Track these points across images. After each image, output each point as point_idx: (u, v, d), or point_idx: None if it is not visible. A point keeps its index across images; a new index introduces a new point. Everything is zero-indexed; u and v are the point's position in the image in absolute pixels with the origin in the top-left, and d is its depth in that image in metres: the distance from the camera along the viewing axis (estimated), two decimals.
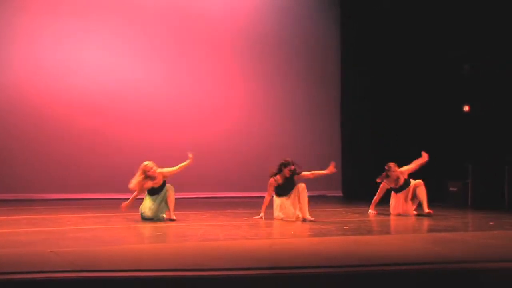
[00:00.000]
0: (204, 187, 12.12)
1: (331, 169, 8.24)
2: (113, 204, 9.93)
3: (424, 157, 8.83)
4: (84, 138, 11.59)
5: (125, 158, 11.39)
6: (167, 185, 7.86)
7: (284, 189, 8.13)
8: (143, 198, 7.97)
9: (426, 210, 8.61)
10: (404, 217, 8.66)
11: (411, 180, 8.87)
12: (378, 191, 8.98)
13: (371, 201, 9.19)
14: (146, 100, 11.96)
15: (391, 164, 8.83)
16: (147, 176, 7.76)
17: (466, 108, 11.26)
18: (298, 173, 8.14)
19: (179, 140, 11.30)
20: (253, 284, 4.30)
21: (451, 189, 10.94)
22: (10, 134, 11.26)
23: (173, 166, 8.01)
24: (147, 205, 7.80)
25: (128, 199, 7.86)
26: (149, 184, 7.77)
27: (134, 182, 7.78)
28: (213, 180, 12.24)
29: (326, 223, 7.87)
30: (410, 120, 12.04)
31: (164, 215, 7.88)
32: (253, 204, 10.49)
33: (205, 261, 4.78)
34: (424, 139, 11.03)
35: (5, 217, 8.08)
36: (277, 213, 8.13)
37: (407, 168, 8.90)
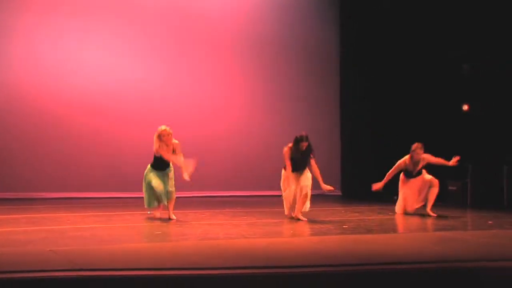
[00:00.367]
0: (204, 186, 12.11)
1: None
2: (113, 203, 9.95)
3: (453, 161, 8.59)
4: (84, 138, 11.60)
5: (125, 157, 11.41)
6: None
7: (297, 164, 8.00)
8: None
9: (429, 211, 8.59)
10: (403, 216, 8.66)
11: (430, 176, 8.71)
12: (393, 167, 8.70)
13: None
14: (146, 100, 11.97)
15: (419, 145, 8.55)
16: (162, 140, 7.66)
17: (465, 107, 11.27)
18: (312, 151, 7.99)
19: (179, 140, 11.29)
20: (252, 283, 4.30)
21: (450, 188, 10.95)
22: (9, 133, 11.26)
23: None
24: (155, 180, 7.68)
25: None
26: (164, 149, 7.66)
27: (156, 147, 7.70)
28: (212, 179, 12.24)
29: (325, 222, 7.88)
30: (409, 120, 12.05)
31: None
32: (253, 203, 10.51)
33: (204, 260, 4.79)
34: (424, 138, 11.01)
35: (5, 216, 8.08)
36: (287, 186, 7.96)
37: (430, 158, 8.61)
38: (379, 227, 7.38)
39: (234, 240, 6.16)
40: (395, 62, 12.43)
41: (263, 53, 12.88)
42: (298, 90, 12.94)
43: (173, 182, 7.89)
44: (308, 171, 8.09)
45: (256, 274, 4.38)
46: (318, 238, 6.39)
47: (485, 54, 11.13)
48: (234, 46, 12.71)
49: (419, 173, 8.76)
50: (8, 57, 11.33)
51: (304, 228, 7.35)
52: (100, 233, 6.62)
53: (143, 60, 12.10)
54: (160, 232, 6.85)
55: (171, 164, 7.86)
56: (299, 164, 7.99)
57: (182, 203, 9.68)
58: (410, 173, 8.74)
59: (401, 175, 8.89)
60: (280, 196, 8.27)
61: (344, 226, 7.41)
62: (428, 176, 8.72)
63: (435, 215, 8.53)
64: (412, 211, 8.83)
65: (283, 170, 8.13)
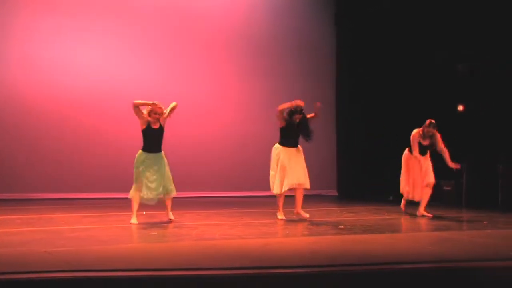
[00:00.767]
0: (199, 186, 12.11)
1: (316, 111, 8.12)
2: (109, 204, 9.94)
3: (453, 164, 8.53)
4: (80, 138, 11.57)
5: (122, 157, 11.36)
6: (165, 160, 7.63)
7: (289, 135, 7.97)
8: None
9: (424, 212, 8.56)
10: (399, 217, 8.68)
11: (431, 171, 8.62)
12: (414, 143, 8.48)
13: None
14: (142, 99, 11.92)
15: (432, 123, 8.44)
16: (153, 113, 7.48)
17: (460, 108, 11.29)
18: (307, 124, 7.99)
19: (175, 139, 11.28)
20: (248, 284, 4.31)
21: (445, 188, 10.97)
22: (6, 133, 11.23)
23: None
24: (146, 183, 7.46)
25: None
26: (147, 118, 7.47)
27: (142, 121, 7.51)
28: (208, 180, 12.24)
29: (321, 222, 7.89)
30: (405, 120, 12.04)
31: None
32: (249, 203, 10.51)
33: (200, 261, 4.79)
34: None
35: (0, 217, 8.06)
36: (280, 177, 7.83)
37: (439, 140, 8.52)
38: (375, 228, 7.39)
39: (230, 241, 6.16)
40: (390, 63, 12.44)
41: (258, 53, 12.87)
42: (294, 90, 12.90)
43: (170, 175, 7.63)
44: (301, 149, 8.08)
45: (252, 274, 4.39)
46: (314, 239, 6.39)
47: (480, 54, 11.15)
48: (230, 46, 12.71)
49: (426, 151, 8.61)
50: (5, 57, 11.30)
51: (300, 228, 7.36)
52: (96, 234, 6.61)
53: (139, 60, 12.08)
54: (156, 233, 6.85)
55: (162, 152, 7.63)
56: (291, 137, 7.98)
57: (178, 204, 9.66)
58: (420, 149, 8.54)
59: (406, 151, 8.71)
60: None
61: (340, 227, 7.42)
62: (430, 169, 8.60)
63: (430, 215, 8.54)
64: (418, 200, 8.66)
65: (276, 145, 8.07)
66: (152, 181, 7.48)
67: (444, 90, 11.49)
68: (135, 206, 7.54)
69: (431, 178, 8.57)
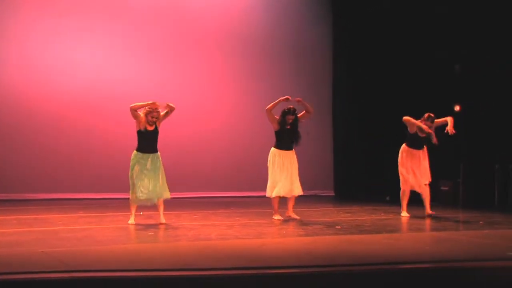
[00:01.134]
0: (196, 187, 12.10)
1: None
2: (105, 204, 9.92)
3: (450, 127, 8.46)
4: (77, 138, 11.54)
5: (119, 158, 11.31)
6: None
7: (283, 137, 8.02)
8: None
9: (429, 211, 8.57)
10: (396, 217, 8.68)
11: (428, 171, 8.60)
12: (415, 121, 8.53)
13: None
14: (138, 100, 11.90)
15: (430, 116, 8.48)
16: (150, 115, 7.44)
17: (457, 107, 11.30)
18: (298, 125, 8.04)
19: (171, 140, 11.26)
20: (245, 284, 4.30)
21: (442, 188, 10.98)
22: (1, 133, 11.20)
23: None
24: (143, 183, 7.42)
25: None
26: (144, 120, 7.45)
27: (138, 122, 7.47)
28: (204, 180, 12.22)
29: (318, 222, 7.89)
30: (401, 120, 12.06)
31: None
32: (246, 204, 10.50)
33: (197, 261, 4.79)
34: None
35: None
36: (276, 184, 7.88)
37: (436, 123, 8.57)
38: (372, 228, 7.40)
39: (227, 241, 6.16)
40: (387, 63, 12.44)
41: (254, 53, 12.86)
42: (290, 90, 12.84)
43: (164, 178, 7.58)
44: (294, 152, 8.13)
45: (249, 274, 4.38)
46: (311, 239, 6.39)
47: (478, 55, 11.17)
48: (226, 46, 12.69)
49: (423, 145, 8.58)
50: (3, 57, 11.26)
51: (297, 228, 7.35)
52: (93, 234, 6.60)
53: (135, 60, 12.05)
54: (153, 233, 6.84)
55: (158, 152, 7.60)
56: (286, 139, 8.04)
57: (175, 204, 9.66)
58: (419, 139, 8.52)
59: (404, 146, 8.66)
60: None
61: (337, 227, 7.42)
62: (428, 169, 8.57)
63: (433, 212, 8.55)
64: (421, 192, 8.61)
65: (272, 149, 8.10)
66: (146, 182, 7.46)
67: (442, 90, 11.50)
68: (133, 207, 7.53)
69: (428, 178, 8.59)
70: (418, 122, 8.52)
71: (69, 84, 11.56)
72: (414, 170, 8.57)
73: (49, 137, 11.42)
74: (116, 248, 5.61)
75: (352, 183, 12.75)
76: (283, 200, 8.14)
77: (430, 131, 8.45)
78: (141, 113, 7.57)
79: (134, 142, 7.75)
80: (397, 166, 8.72)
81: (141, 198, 7.43)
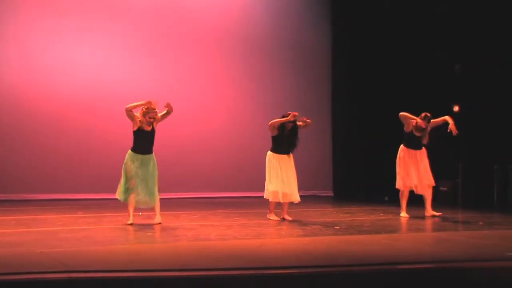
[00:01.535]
0: (195, 187, 12.09)
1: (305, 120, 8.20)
2: (104, 205, 9.91)
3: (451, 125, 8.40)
4: (76, 138, 11.53)
5: (117, 158, 11.31)
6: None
7: (281, 142, 8.06)
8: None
9: (431, 212, 8.56)
10: (395, 217, 8.67)
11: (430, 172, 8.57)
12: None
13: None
14: (136, 100, 11.89)
15: (427, 116, 8.42)
16: (148, 116, 7.39)
17: (456, 108, 11.31)
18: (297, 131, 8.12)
19: (170, 140, 11.28)
20: (244, 284, 4.30)
21: (441, 188, 10.98)
22: (0, 134, 11.19)
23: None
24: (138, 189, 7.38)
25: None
26: (141, 120, 7.40)
27: (135, 122, 7.40)
28: (203, 180, 12.21)
29: (317, 223, 7.89)
30: (400, 121, 12.06)
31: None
32: (245, 204, 10.49)
33: (196, 261, 4.78)
34: None
35: None
36: (274, 185, 7.92)
37: (432, 123, 8.53)
38: (371, 228, 7.39)
39: (226, 241, 6.16)
40: (387, 63, 12.44)
41: (254, 53, 12.86)
42: (289, 91, 12.93)
43: (156, 180, 7.54)
44: (291, 156, 8.14)
45: (248, 275, 4.38)
46: (310, 239, 6.39)
47: (478, 55, 11.18)
48: (224, 46, 12.68)
49: (420, 145, 8.54)
50: (3, 57, 11.24)
51: (296, 229, 7.35)
52: (92, 235, 6.59)
53: (135, 60, 12.05)
54: (152, 233, 6.83)
55: (153, 154, 7.57)
56: (284, 144, 8.07)
57: (174, 204, 9.66)
58: (415, 138, 8.53)
59: (402, 147, 8.64)
60: None
61: (336, 227, 7.42)
62: (429, 169, 8.58)
63: (440, 213, 8.54)
64: (422, 193, 8.60)
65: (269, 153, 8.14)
66: (144, 186, 7.43)
67: (441, 90, 11.51)
68: (131, 207, 7.52)
69: (431, 180, 8.57)
70: (412, 116, 8.49)
71: (69, 84, 11.55)
72: (413, 171, 8.54)
73: (48, 137, 11.41)
74: (115, 249, 5.61)
75: (352, 183, 12.75)
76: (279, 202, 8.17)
77: (420, 122, 8.39)
78: (138, 113, 7.54)
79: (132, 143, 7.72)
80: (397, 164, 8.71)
81: (141, 201, 7.43)
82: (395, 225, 8.02)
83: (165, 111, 7.62)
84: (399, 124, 8.76)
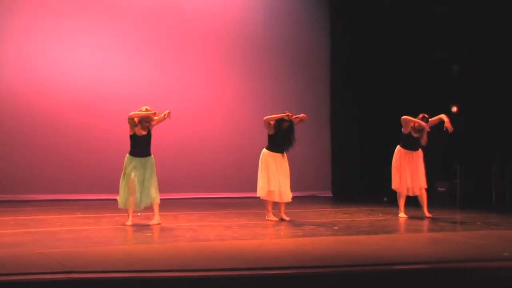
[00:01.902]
0: (194, 187, 12.09)
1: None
2: (103, 205, 9.91)
3: (447, 123, 8.39)
4: (75, 139, 11.53)
5: (116, 158, 11.31)
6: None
7: (276, 141, 8.08)
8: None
9: (427, 214, 8.60)
10: (393, 218, 8.68)
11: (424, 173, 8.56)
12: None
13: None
14: (136, 101, 11.88)
15: (425, 117, 8.43)
16: (145, 121, 7.43)
17: (454, 108, 11.33)
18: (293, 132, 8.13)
19: (169, 140, 11.28)
20: (243, 285, 4.31)
21: (439, 189, 11.00)
22: None
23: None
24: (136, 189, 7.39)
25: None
26: (137, 125, 7.42)
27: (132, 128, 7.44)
28: (202, 181, 12.22)
29: (315, 223, 7.89)
30: (399, 121, 12.07)
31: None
32: (243, 204, 10.50)
33: (194, 262, 4.79)
34: None
35: None
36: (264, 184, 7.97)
37: (430, 123, 8.50)
38: (370, 228, 7.40)
39: (225, 242, 6.16)
40: (386, 63, 12.46)
41: (253, 53, 12.87)
42: (288, 91, 12.95)
43: (156, 183, 7.56)
44: (286, 156, 8.17)
45: (246, 275, 4.39)
46: (309, 239, 6.39)
47: (477, 55, 11.20)
48: (223, 46, 12.69)
49: (417, 146, 8.54)
50: (1, 58, 11.26)
51: (295, 229, 7.36)
52: (91, 235, 6.59)
53: (135, 60, 12.06)
54: (150, 234, 6.84)
55: (152, 156, 7.59)
56: (279, 143, 8.08)
57: (172, 205, 9.66)
58: (412, 139, 8.52)
59: (399, 148, 8.64)
60: None
61: (334, 227, 7.43)
62: (423, 172, 8.59)
63: (430, 215, 8.57)
64: (417, 194, 8.60)
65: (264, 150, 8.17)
66: (142, 188, 7.45)
67: (441, 90, 11.53)
68: (130, 208, 7.53)
69: (424, 182, 8.58)
70: (415, 120, 8.49)
71: (68, 84, 11.56)
72: (409, 172, 8.55)
73: (47, 137, 11.41)
74: (114, 249, 5.61)
75: (350, 184, 12.76)
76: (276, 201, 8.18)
77: (424, 124, 8.41)
78: (135, 118, 7.56)
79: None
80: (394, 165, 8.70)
81: (139, 204, 7.45)
82: (393, 225, 8.03)
83: (161, 115, 7.62)
84: (398, 124, 8.77)
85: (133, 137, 7.55)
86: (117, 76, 11.85)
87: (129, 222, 7.43)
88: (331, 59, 13.37)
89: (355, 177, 12.75)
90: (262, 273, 4.47)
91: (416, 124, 8.44)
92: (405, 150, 8.60)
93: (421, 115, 8.53)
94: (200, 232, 6.97)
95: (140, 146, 7.55)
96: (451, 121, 8.48)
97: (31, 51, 11.43)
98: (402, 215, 8.58)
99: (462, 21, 11.27)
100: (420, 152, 8.63)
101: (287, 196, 8.12)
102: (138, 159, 7.52)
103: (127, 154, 7.59)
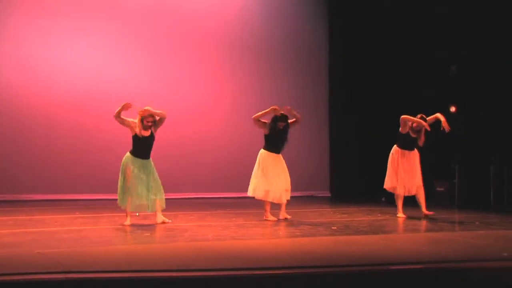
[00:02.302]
0: (192, 187, 12.09)
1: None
2: (101, 205, 9.91)
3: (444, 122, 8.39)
4: (73, 139, 11.53)
5: (114, 158, 11.30)
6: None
7: (273, 141, 8.09)
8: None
9: (426, 212, 8.60)
10: (392, 217, 8.69)
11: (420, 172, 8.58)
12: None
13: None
14: (136, 100, 11.86)
15: (423, 117, 8.39)
16: (146, 120, 7.38)
17: (452, 109, 11.33)
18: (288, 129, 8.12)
19: (168, 140, 11.26)
20: (241, 285, 4.31)
21: (438, 189, 11.00)
22: None
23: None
24: (138, 190, 7.36)
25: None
26: (139, 126, 7.39)
27: (138, 130, 7.37)
28: (201, 181, 12.22)
29: (314, 223, 7.90)
30: (397, 122, 12.08)
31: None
32: (242, 204, 10.50)
33: (193, 262, 4.79)
34: None
35: None
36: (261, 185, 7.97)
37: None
38: (368, 228, 7.41)
39: (223, 242, 6.16)
40: (385, 63, 12.47)
41: (251, 53, 12.87)
42: (287, 91, 12.94)
43: (159, 181, 7.53)
44: (282, 158, 8.18)
45: (245, 275, 4.39)
46: (307, 239, 6.39)
47: (475, 55, 11.21)
48: (222, 46, 12.70)
49: (413, 146, 8.53)
50: None
51: (293, 229, 7.36)
52: (89, 235, 6.59)
53: (134, 60, 12.06)
54: (149, 234, 6.84)
55: (150, 159, 7.58)
56: (276, 143, 8.10)
57: (171, 205, 9.64)
58: (410, 139, 8.51)
59: (395, 147, 8.62)
60: None
61: (333, 227, 7.43)
62: (419, 171, 8.62)
63: (432, 213, 8.56)
64: (414, 194, 8.60)
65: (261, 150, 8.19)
66: (144, 190, 7.42)
67: (441, 90, 11.54)
68: (128, 208, 7.52)
69: (420, 182, 8.58)
70: (415, 119, 8.49)
71: (67, 84, 11.56)
72: (405, 172, 8.55)
73: (46, 138, 11.41)
74: (113, 249, 5.61)
75: (349, 184, 12.76)
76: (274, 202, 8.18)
77: (425, 124, 8.41)
78: (136, 119, 7.54)
79: (130, 143, 7.71)
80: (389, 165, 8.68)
81: (140, 205, 7.44)
82: (392, 225, 8.04)
83: (157, 116, 7.57)
84: (397, 124, 8.77)
85: (136, 137, 7.53)
86: (116, 76, 11.84)
87: (127, 222, 7.43)
88: (330, 58, 13.37)
89: (354, 177, 12.75)
90: (260, 273, 4.47)
91: (415, 124, 8.43)
92: (402, 150, 8.61)
93: (419, 116, 8.53)
94: (199, 232, 6.97)
95: (142, 147, 7.53)
96: (449, 121, 8.48)
97: (30, 51, 11.43)
98: (400, 215, 8.59)
99: (461, 21, 11.27)
100: (416, 152, 8.64)
101: (287, 195, 8.11)
102: (139, 160, 7.50)
103: (127, 153, 7.57)
